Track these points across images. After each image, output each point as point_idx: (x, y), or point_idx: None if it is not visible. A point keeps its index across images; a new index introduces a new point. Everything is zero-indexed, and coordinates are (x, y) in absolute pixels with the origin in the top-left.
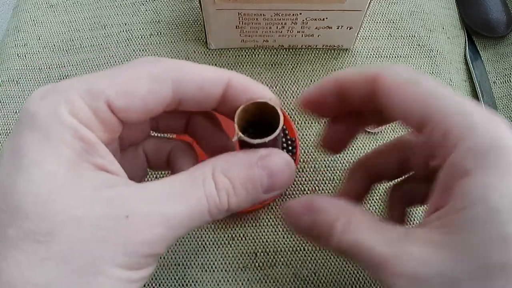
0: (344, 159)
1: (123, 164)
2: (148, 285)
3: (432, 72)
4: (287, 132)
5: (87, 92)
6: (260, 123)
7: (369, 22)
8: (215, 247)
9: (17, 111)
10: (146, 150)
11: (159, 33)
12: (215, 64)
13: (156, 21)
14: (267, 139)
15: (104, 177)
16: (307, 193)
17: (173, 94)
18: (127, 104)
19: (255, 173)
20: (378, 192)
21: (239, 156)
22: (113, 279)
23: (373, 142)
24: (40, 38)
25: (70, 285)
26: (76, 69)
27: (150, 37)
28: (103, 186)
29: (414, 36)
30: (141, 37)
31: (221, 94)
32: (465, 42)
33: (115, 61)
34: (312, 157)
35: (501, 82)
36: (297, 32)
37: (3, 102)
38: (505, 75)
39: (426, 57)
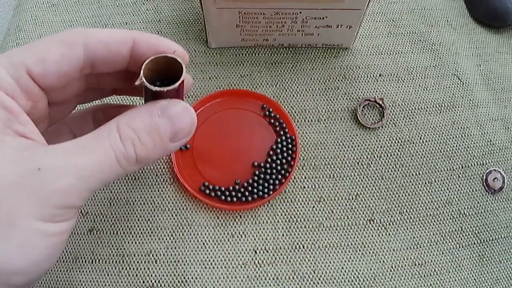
0: (344, 156)
1: (49, 139)
2: (147, 281)
3: (436, 65)
4: (287, 130)
5: (9, 64)
6: (170, 79)
7: (368, 21)
8: (215, 244)
9: None
10: (71, 127)
11: (159, 32)
12: (216, 63)
13: (156, 20)
14: (165, 88)
15: (23, 142)
16: (307, 190)
17: (84, 57)
18: (44, 70)
19: (157, 121)
20: (370, 190)
21: (140, 109)
22: (30, 231)
23: (373, 138)
24: (41, 37)
25: None
26: None
27: None
28: (22, 149)
29: (415, 33)
30: None
31: (129, 52)
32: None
33: None
34: (312, 155)
35: None
36: (297, 31)
37: None
38: None
39: (428, 51)
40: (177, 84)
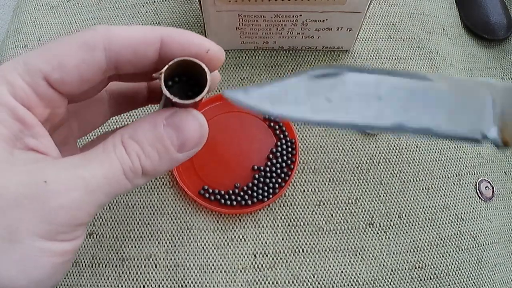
0: (344, 160)
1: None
2: (147, 286)
3: None
4: (287, 133)
5: (25, 71)
6: (192, 77)
7: (369, 24)
8: (214, 248)
9: None
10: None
11: None
12: None
13: (156, 23)
14: (180, 101)
15: (32, 156)
16: (306, 194)
17: (107, 60)
18: (62, 76)
19: (161, 132)
20: (370, 195)
21: (144, 120)
22: (32, 248)
23: (373, 144)
24: (41, 39)
25: None
26: None
27: None
28: (29, 163)
29: (414, 38)
30: None
31: (157, 53)
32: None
33: None
34: (312, 158)
35: (509, 78)
36: (297, 33)
37: None
38: None
39: (426, 59)
40: (197, 99)
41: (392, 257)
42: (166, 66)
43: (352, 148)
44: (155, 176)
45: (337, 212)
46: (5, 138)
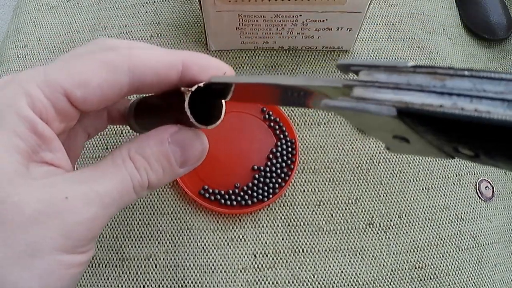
0: (344, 160)
1: (65, 141)
2: (147, 286)
3: None
4: (287, 133)
5: (46, 84)
6: (203, 103)
7: (369, 24)
8: (214, 248)
9: None
10: (86, 127)
11: (159, 34)
12: None
13: (156, 23)
14: (197, 124)
15: (48, 170)
16: (306, 194)
17: (129, 81)
18: (84, 94)
19: (167, 148)
20: (370, 195)
21: (150, 135)
22: (52, 262)
23: (373, 144)
24: (40, 39)
25: (11, 267)
26: None
27: (150, 38)
28: (45, 177)
29: (414, 38)
30: (141, 39)
31: (179, 75)
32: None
33: None
34: (312, 158)
35: None
36: (297, 33)
37: None
38: None
39: (426, 59)
40: (210, 127)
41: (392, 257)
42: (196, 86)
43: (352, 148)
44: (157, 188)
45: (337, 212)
46: (22, 151)
